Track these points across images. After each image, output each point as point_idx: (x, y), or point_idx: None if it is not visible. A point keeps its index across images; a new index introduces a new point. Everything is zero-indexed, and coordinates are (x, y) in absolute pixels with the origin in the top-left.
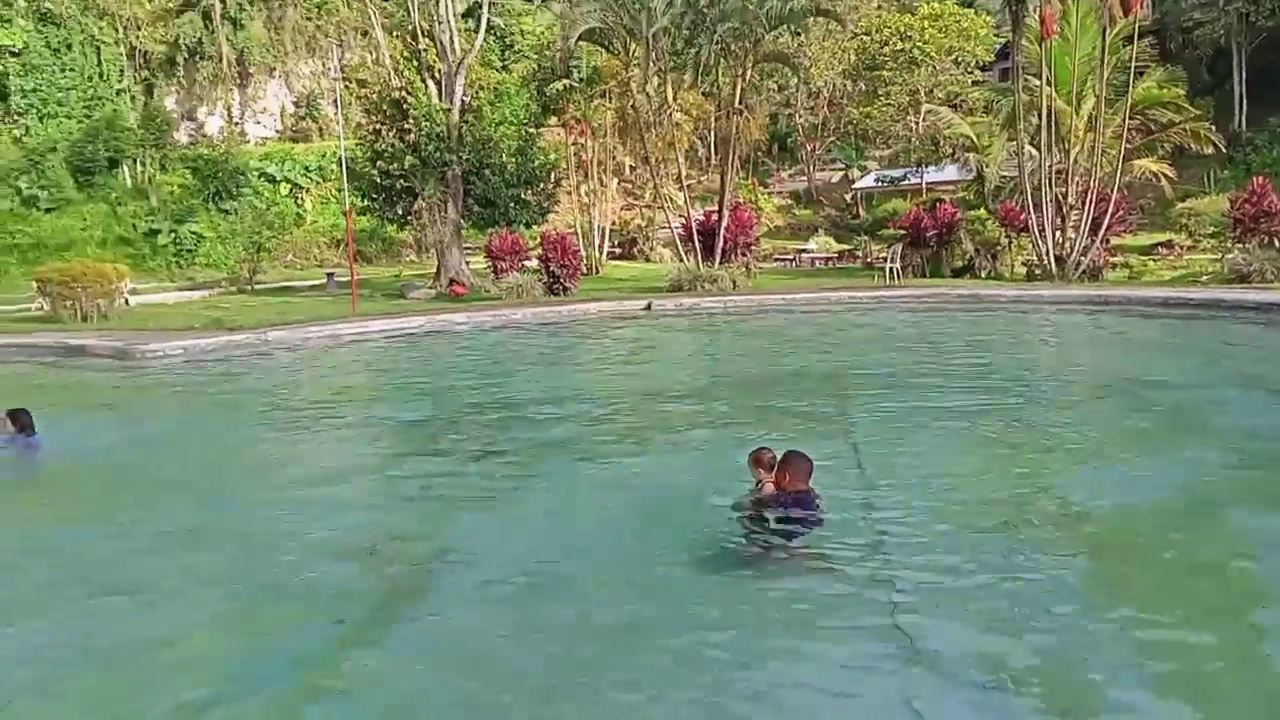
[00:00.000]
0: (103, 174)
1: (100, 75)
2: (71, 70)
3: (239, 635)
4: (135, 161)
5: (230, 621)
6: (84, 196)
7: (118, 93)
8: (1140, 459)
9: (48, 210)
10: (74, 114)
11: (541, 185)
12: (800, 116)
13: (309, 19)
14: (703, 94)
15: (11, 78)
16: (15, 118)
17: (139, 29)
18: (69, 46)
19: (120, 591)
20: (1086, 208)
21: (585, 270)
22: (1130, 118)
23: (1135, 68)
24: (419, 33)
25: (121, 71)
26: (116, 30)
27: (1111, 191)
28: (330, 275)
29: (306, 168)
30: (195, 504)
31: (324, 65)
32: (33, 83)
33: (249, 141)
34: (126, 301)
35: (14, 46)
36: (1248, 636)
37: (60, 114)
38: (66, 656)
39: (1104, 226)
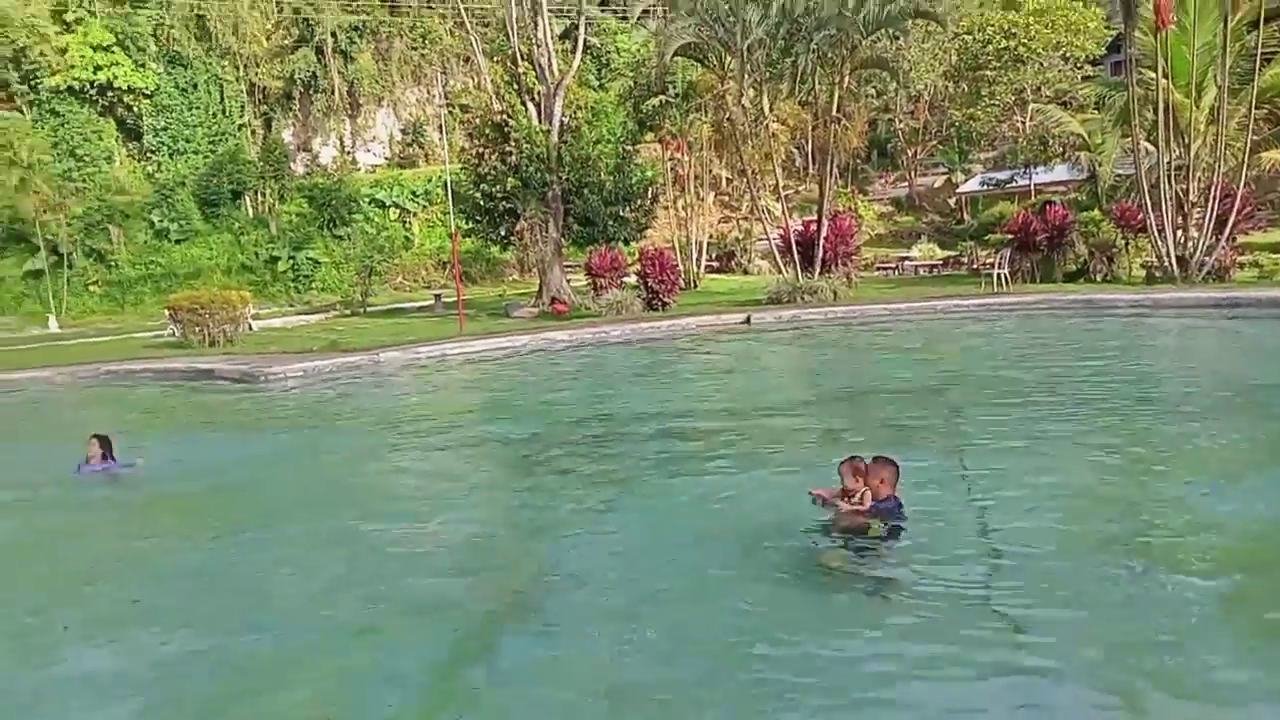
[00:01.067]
0: (226, 205)
1: (223, 112)
2: (197, 108)
3: (355, 653)
4: (256, 193)
5: (346, 640)
6: (210, 227)
7: (239, 128)
8: (1271, 472)
9: (178, 241)
10: (200, 149)
11: (639, 202)
12: (900, 121)
13: (414, 49)
14: (799, 103)
15: (145, 118)
16: (148, 155)
17: (257, 66)
18: (195, 86)
19: (241, 608)
20: (1210, 205)
21: (684, 285)
22: (1257, 107)
23: (1261, 54)
24: (518, 56)
25: (242, 107)
26: (237, 69)
27: (1237, 186)
28: (437, 296)
29: (414, 193)
30: (312, 522)
31: (429, 93)
32: (163, 121)
33: (360, 169)
34: (250, 326)
35: (147, 89)
36: None
37: (188, 150)
38: (185, 674)
39: (1230, 224)
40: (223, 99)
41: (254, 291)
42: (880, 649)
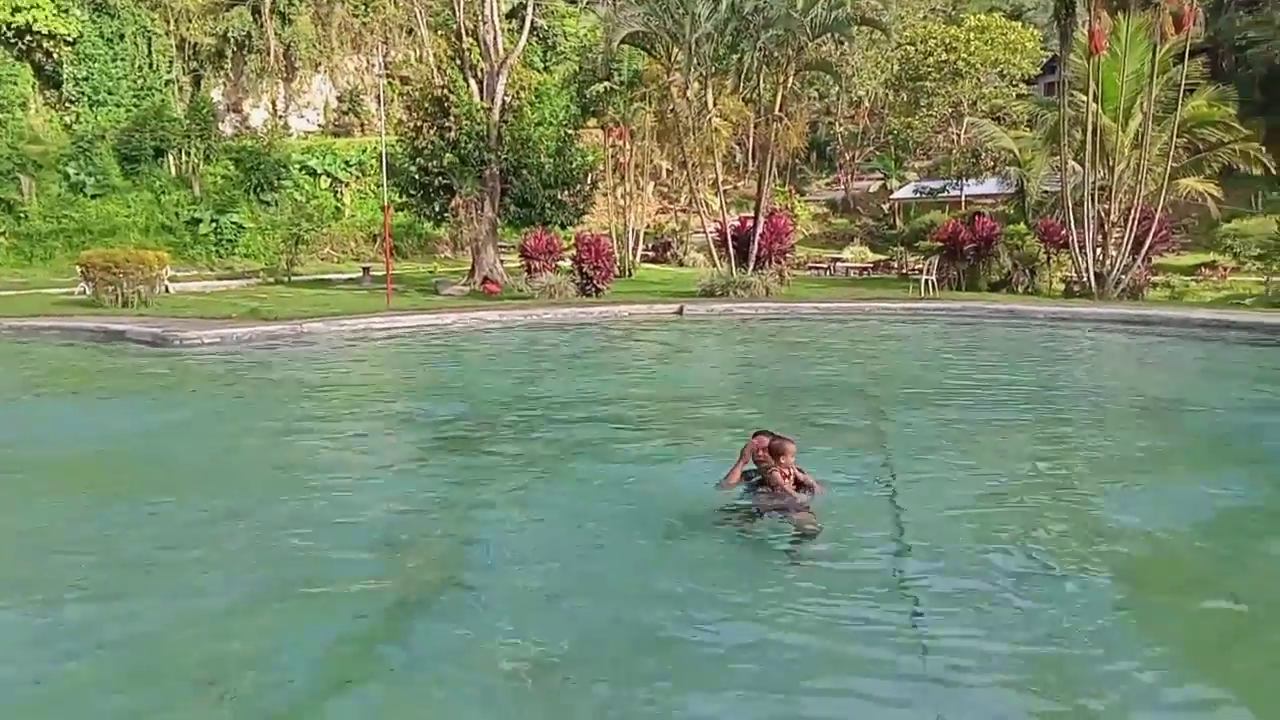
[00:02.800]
0: (148, 162)
1: (150, 66)
2: (122, 60)
3: (258, 628)
4: (180, 151)
5: (249, 613)
6: (129, 184)
7: (166, 83)
8: (1172, 482)
9: (94, 196)
10: (123, 103)
11: (578, 186)
12: (840, 125)
13: (356, 15)
14: (743, 100)
15: (65, 66)
16: (67, 105)
17: (189, 21)
18: (121, 36)
19: (142, 577)
20: (1129, 225)
21: (618, 272)
22: (1178, 136)
23: (1185, 86)
24: (463, 32)
25: (170, 63)
26: (167, 22)
27: (1156, 210)
28: (366, 269)
29: (347, 162)
30: (221, 492)
31: (368, 62)
32: (85, 71)
33: (292, 135)
34: (167, 289)
35: (69, 35)
36: (1266, 665)
37: (110, 102)
38: (83, 643)
39: (1146, 245)
40: (150, 52)
41: (173, 253)
42: (794, 637)
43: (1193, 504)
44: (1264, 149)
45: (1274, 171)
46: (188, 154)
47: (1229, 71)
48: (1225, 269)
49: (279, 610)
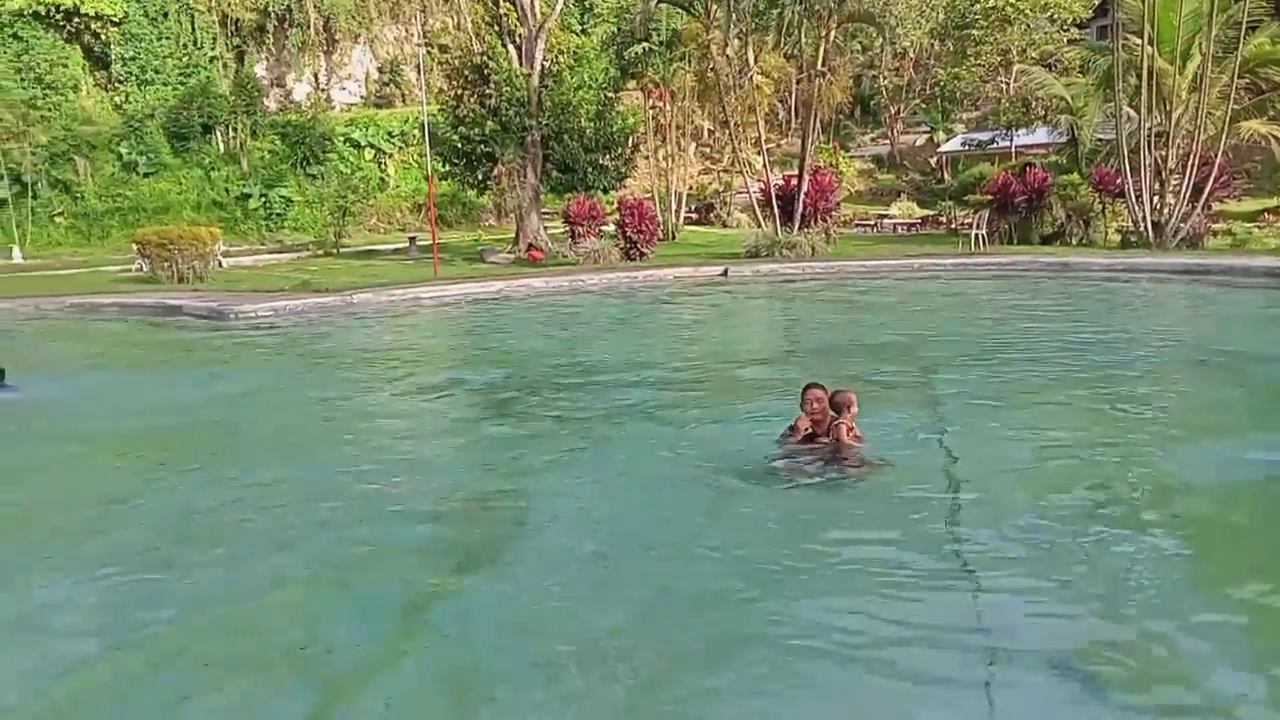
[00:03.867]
0: (197, 139)
1: (194, 43)
2: (167, 38)
3: (318, 593)
4: (227, 128)
5: (310, 579)
6: (179, 161)
7: (210, 60)
8: (1237, 436)
9: (146, 175)
10: (170, 81)
11: (620, 150)
12: (885, 78)
13: None
14: (784, 56)
15: (113, 46)
16: (116, 85)
17: None
18: (165, 15)
19: (205, 544)
20: (1188, 172)
21: (662, 236)
22: (1239, 76)
23: (1247, 23)
24: None
25: (214, 39)
26: None
27: (1215, 155)
28: (412, 239)
29: (390, 133)
30: (282, 461)
31: (407, 31)
32: (132, 50)
33: (334, 108)
34: (220, 263)
35: (115, 16)
36: None
37: (158, 81)
38: (150, 608)
39: (1206, 191)
40: (194, 29)
41: (224, 229)
42: (852, 593)
43: (1255, 459)
44: None
45: None
46: (235, 130)
47: None
48: None
49: (336, 577)
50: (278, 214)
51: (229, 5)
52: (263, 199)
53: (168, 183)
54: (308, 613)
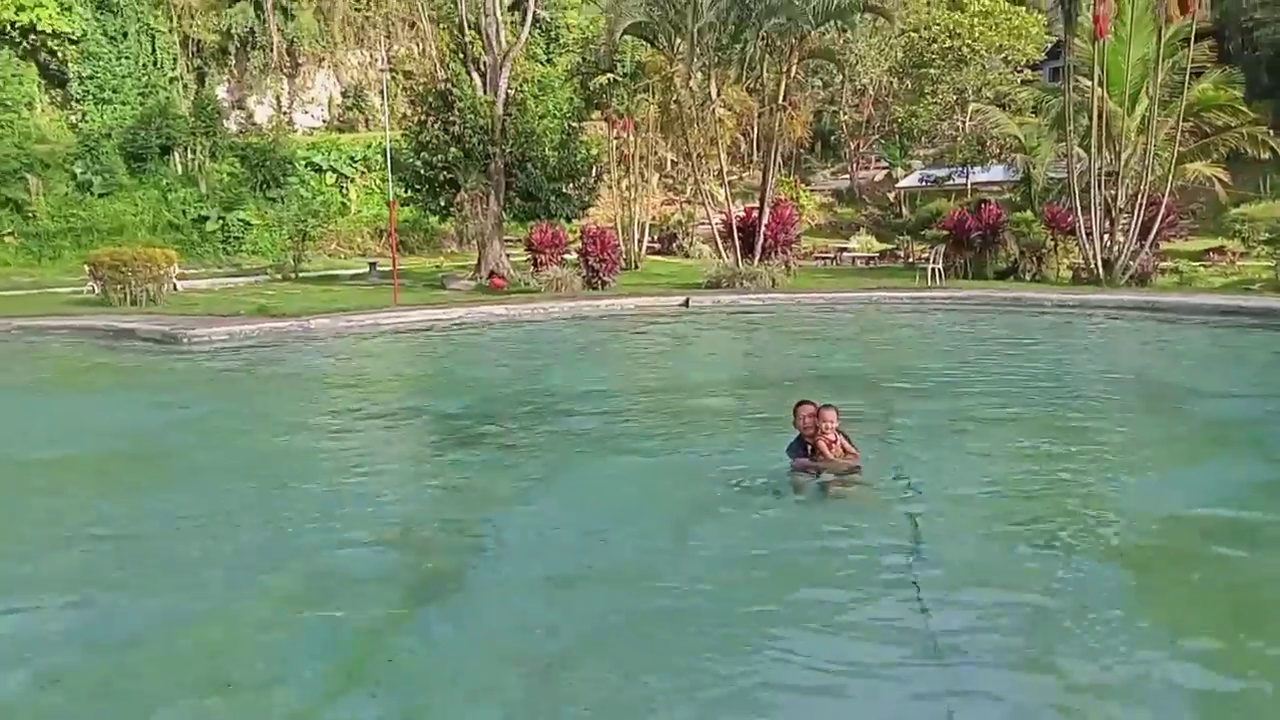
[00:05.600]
0: (154, 160)
1: (154, 63)
2: (127, 58)
3: (271, 621)
4: (186, 149)
5: (263, 607)
6: (136, 182)
7: (170, 81)
8: (1184, 470)
9: (101, 195)
10: (128, 101)
11: (583, 179)
12: (845, 114)
13: (358, 10)
14: (746, 90)
15: (70, 65)
16: (73, 104)
17: (192, 18)
18: (125, 34)
19: (149, 573)
20: (1136, 211)
21: (624, 265)
22: (1185, 120)
23: (1191, 69)
24: (465, 25)
25: (174, 60)
26: (170, 19)
27: (1163, 195)
28: (373, 265)
29: (352, 158)
30: (231, 489)
31: (371, 56)
32: (90, 69)
33: (296, 131)
34: (175, 287)
35: (74, 34)
36: (1273, 645)
37: (115, 101)
38: (93, 638)
39: (1154, 231)
40: (154, 49)
41: (181, 251)
42: (802, 621)
43: (1202, 490)
44: (1271, 132)
45: None
46: (194, 152)
47: (1236, 54)
48: (1234, 254)
49: (288, 606)
50: (236, 237)
51: (191, 26)
52: (221, 222)
53: (123, 203)
54: (256, 644)
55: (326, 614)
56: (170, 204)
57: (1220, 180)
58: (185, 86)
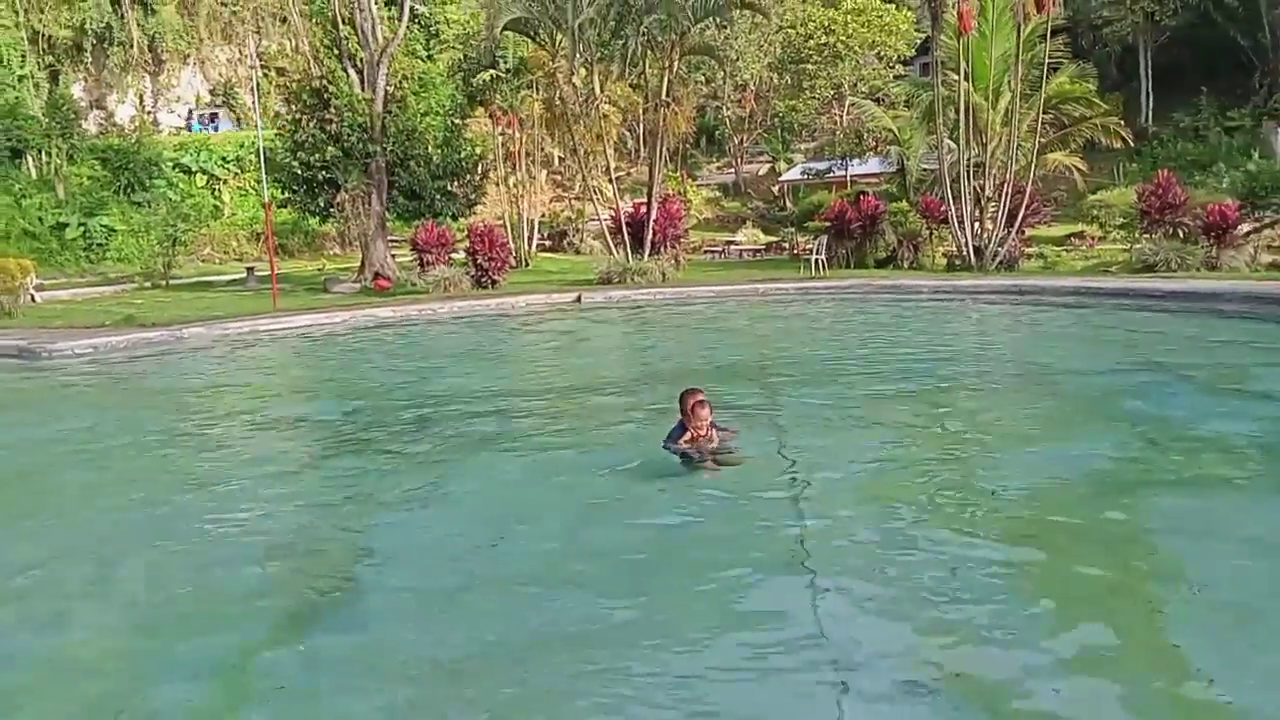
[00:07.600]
0: (5, 165)
1: (1, 61)
2: None
3: (151, 641)
4: (40, 152)
5: (143, 627)
6: None
7: (19, 79)
8: (1053, 443)
9: None
10: None
11: (468, 177)
12: (727, 109)
13: (224, 4)
14: (630, 86)
15: None
16: None
17: (42, 12)
18: None
19: (9, 600)
20: (1003, 200)
21: (514, 263)
22: (1044, 112)
23: (1048, 64)
24: (339, 20)
25: (23, 57)
26: (16, 13)
27: (1027, 184)
28: (250, 270)
29: (224, 158)
30: (98, 508)
31: (241, 53)
32: None
33: (162, 131)
34: (33, 298)
35: None
36: (1144, 611)
37: None
38: None
39: (1019, 218)
40: None
41: (38, 260)
42: (696, 614)
43: (1070, 463)
44: (1122, 123)
45: (1131, 144)
46: (49, 154)
47: (1088, 50)
48: (1093, 238)
49: (166, 630)
50: (99, 244)
51: (40, 21)
52: (82, 228)
53: None
54: (129, 670)
55: (201, 637)
56: (25, 210)
57: (1078, 169)
58: (37, 85)
